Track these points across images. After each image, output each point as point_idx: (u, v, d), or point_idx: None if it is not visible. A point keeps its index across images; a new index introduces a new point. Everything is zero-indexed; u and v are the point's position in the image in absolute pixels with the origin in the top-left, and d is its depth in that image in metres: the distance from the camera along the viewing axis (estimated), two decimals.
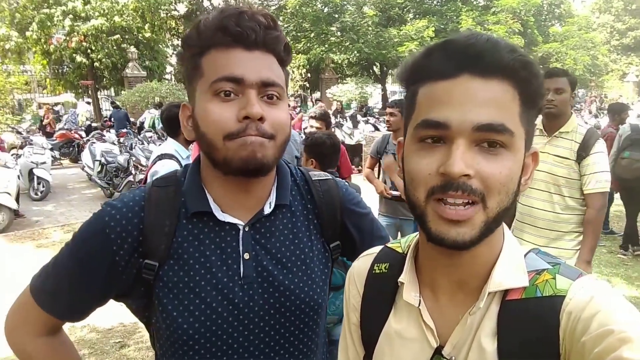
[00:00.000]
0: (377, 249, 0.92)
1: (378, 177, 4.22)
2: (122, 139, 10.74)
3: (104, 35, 19.50)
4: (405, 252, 0.84)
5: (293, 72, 24.95)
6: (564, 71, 2.90)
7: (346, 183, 1.22)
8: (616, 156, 5.53)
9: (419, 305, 0.76)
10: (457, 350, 0.71)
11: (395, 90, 30.28)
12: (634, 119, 6.42)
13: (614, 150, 5.63)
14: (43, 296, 0.97)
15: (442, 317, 0.75)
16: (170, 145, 3.44)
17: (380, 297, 0.84)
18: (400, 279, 0.79)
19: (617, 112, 6.49)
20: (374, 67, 25.65)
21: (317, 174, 1.13)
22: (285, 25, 22.93)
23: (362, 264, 0.91)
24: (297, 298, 0.99)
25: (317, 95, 25.29)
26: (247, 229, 0.97)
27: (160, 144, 9.80)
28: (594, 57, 23.37)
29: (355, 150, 10.69)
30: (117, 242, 0.92)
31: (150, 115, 13.91)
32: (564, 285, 0.66)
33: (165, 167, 3.12)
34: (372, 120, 14.67)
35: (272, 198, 1.01)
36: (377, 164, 4.22)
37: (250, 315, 0.96)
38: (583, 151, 2.61)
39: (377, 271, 0.87)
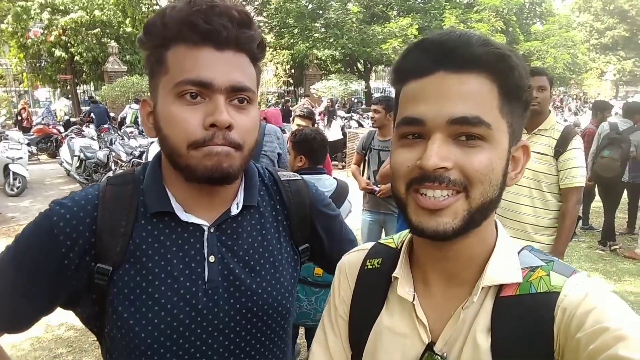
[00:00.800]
0: (368, 245, 0.91)
1: (363, 173, 4.21)
2: (102, 134, 10.56)
3: (84, 29, 19.13)
4: (398, 248, 0.84)
5: (277, 67, 24.84)
6: (544, 70, 3.06)
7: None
8: (595, 154, 5.62)
9: (413, 300, 0.75)
10: (449, 346, 0.71)
11: (379, 87, 30.39)
12: (613, 117, 6.52)
13: (594, 149, 5.72)
14: None
15: (434, 313, 0.74)
16: None
17: (372, 292, 0.83)
18: (394, 274, 0.79)
19: (600, 109, 6.58)
20: (358, 64, 25.66)
21: (287, 174, 1.08)
22: (269, 21, 22.80)
23: (353, 258, 0.91)
24: (264, 303, 0.94)
25: (301, 91, 25.25)
26: (212, 230, 0.91)
27: (149, 139, 9.74)
28: (574, 56, 23.71)
29: (336, 147, 10.66)
30: (66, 243, 0.84)
31: (132, 111, 13.70)
32: (559, 282, 0.67)
33: None
34: (355, 116, 14.66)
35: (240, 198, 0.96)
36: (363, 160, 4.20)
37: (214, 321, 0.90)
38: (560, 147, 2.71)
39: (370, 266, 0.86)
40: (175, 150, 0.83)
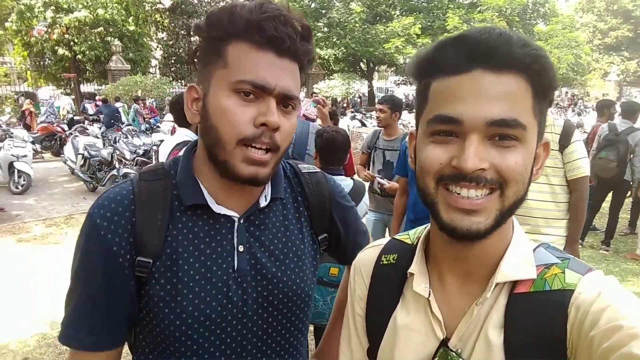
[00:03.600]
0: (383, 241, 0.91)
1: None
2: (107, 133, 10.58)
3: (87, 27, 19.17)
4: (414, 244, 0.84)
5: None
6: None
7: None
8: (594, 155, 5.63)
9: (429, 296, 0.76)
10: (464, 342, 0.71)
11: (382, 86, 30.37)
12: (616, 117, 6.50)
13: (594, 149, 5.72)
14: (81, 338, 0.89)
15: (449, 309, 0.75)
16: (182, 134, 3.38)
17: (388, 288, 0.84)
18: (410, 270, 0.79)
19: (606, 107, 6.54)
20: (361, 64, 25.66)
21: (307, 167, 1.12)
22: None
23: (368, 254, 0.91)
24: (289, 290, 0.98)
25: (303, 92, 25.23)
26: (242, 221, 0.95)
27: (153, 138, 9.73)
28: (577, 56, 23.64)
29: None
30: (115, 241, 0.87)
31: (128, 110, 13.75)
32: (573, 280, 0.66)
33: None
34: (358, 116, 14.69)
35: (268, 191, 0.99)
36: (368, 160, 4.22)
37: (244, 309, 0.94)
38: (564, 141, 2.77)
39: (385, 262, 0.86)
40: (221, 142, 0.85)
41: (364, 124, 13.36)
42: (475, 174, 0.63)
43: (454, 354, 0.71)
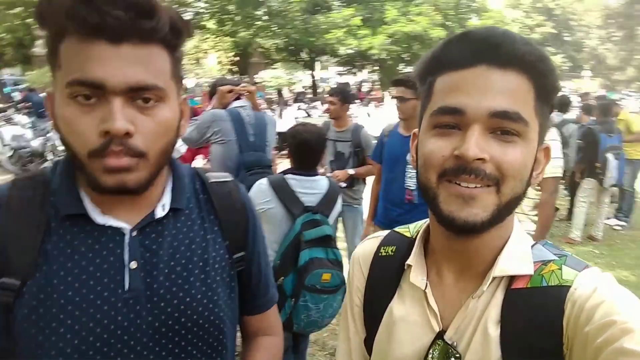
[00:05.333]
0: (383, 233, 0.92)
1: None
2: (37, 123, 9.93)
3: (3, 7, 17.72)
4: (413, 237, 0.85)
5: (220, 55, 24.27)
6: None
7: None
8: None
9: (425, 288, 0.77)
10: (460, 335, 0.72)
11: (324, 76, 30.45)
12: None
13: None
14: None
15: (446, 302, 0.76)
16: None
17: (385, 280, 0.84)
18: (408, 262, 0.80)
19: (562, 104, 6.68)
20: (303, 54, 25.62)
21: (216, 176, 0.98)
22: (209, 7, 22.20)
23: (367, 246, 0.91)
24: (194, 313, 0.84)
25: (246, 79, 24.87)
26: (134, 233, 0.82)
27: None
28: None
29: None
30: None
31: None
32: (570, 276, 0.67)
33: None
34: (303, 106, 14.69)
35: (166, 200, 0.86)
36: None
37: (137, 335, 0.79)
38: None
39: (383, 254, 0.87)
40: (76, 157, 0.74)
41: (309, 115, 13.38)
42: (475, 165, 0.63)
43: (449, 346, 0.72)
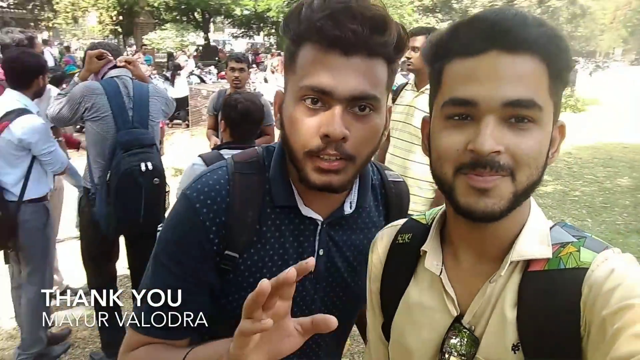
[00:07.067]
0: (401, 221, 0.94)
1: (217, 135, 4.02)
2: None
3: None
4: (429, 224, 0.85)
5: (101, 14, 22.05)
6: (421, 30, 3.15)
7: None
8: None
9: (440, 274, 0.77)
10: (477, 319, 0.73)
11: (218, 39, 29.19)
12: None
13: None
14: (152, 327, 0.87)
15: (463, 287, 0.76)
16: (13, 98, 2.66)
17: (402, 266, 0.86)
18: (423, 247, 0.81)
19: None
20: (195, 14, 24.20)
21: (392, 175, 1.11)
22: None
23: (385, 234, 0.93)
24: (355, 298, 1.02)
25: (131, 41, 22.98)
26: (324, 225, 0.95)
27: None
28: (401, 16, 25.62)
29: (182, 104, 10.04)
30: (211, 229, 0.88)
31: None
32: (588, 258, 0.66)
33: (33, 127, 2.62)
34: (197, 71, 13.85)
35: (354, 198, 0.98)
36: (216, 122, 3.99)
37: (312, 308, 0.96)
38: None
39: (400, 241, 0.88)
40: (293, 153, 0.84)
41: (203, 80, 12.66)
42: (490, 158, 0.63)
43: (466, 330, 0.73)
